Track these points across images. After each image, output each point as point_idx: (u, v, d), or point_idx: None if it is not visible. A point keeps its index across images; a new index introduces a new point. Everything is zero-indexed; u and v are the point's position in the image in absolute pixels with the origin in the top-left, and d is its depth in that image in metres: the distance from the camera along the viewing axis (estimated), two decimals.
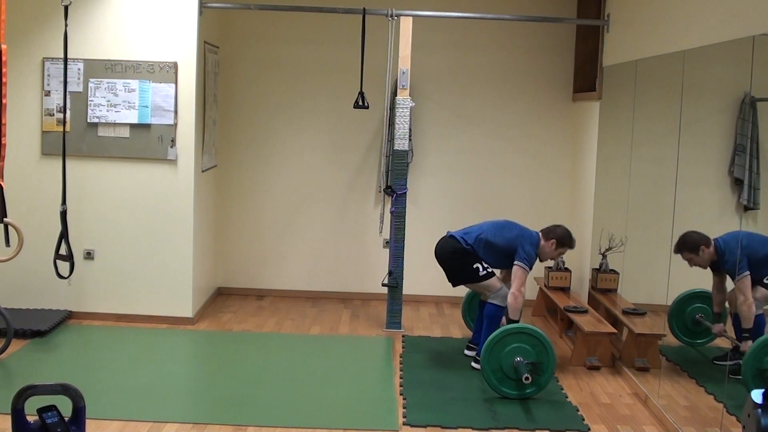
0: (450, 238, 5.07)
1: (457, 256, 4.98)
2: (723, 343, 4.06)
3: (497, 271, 5.06)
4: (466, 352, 5.23)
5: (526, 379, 4.36)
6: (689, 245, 4.12)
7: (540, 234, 5.01)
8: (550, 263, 6.10)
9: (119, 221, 5.64)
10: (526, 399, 4.47)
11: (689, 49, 4.24)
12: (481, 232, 5.01)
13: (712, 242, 3.99)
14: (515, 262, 4.87)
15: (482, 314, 5.08)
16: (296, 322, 5.96)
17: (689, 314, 4.31)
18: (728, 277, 3.94)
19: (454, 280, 5.07)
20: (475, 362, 5.00)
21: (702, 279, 4.40)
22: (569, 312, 5.45)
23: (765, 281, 3.75)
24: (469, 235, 5.01)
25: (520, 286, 4.83)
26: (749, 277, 3.69)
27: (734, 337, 3.89)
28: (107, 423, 3.94)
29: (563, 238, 5.00)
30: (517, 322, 4.77)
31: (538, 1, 6.38)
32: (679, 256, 4.24)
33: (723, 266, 3.94)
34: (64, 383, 2.66)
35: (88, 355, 5.06)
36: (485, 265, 4.93)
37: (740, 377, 3.63)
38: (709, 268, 4.09)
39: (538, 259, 5.01)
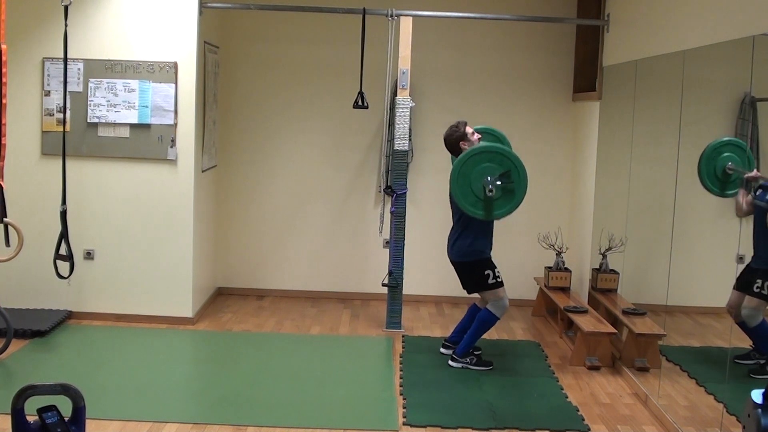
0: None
1: (465, 265, 4.95)
2: (741, 342, 4.00)
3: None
4: (442, 350, 5.22)
5: (491, 191, 4.46)
6: None
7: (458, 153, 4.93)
8: (550, 263, 6.12)
9: (119, 221, 5.64)
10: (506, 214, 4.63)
11: (689, 49, 4.24)
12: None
13: None
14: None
15: (470, 315, 5.11)
16: (296, 322, 5.96)
17: (720, 162, 4.07)
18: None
19: (467, 287, 5.04)
20: (452, 360, 5.02)
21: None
22: (569, 312, 5.45)
23: (755, 289, 3.74)
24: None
25: None
26: None
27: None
28: (107, 423, 3.94)
29: (460, 133, 4.90)
30: None
31: (538, 1, 6.37)
32: (678, 253, 4.24)
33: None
34: (64, 383, 2.66)
35: (88, 355, 5.06)
36: (496, 273, 4.91)
37: (760, 377, 3.63)
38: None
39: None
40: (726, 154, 4.02)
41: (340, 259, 6.65)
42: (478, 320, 4.97)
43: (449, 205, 6.51)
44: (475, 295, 5.16)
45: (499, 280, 4.92)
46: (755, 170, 3.80)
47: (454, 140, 4.95)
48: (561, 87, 6.51)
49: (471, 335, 4.97)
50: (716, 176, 4.05)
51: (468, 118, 6.52)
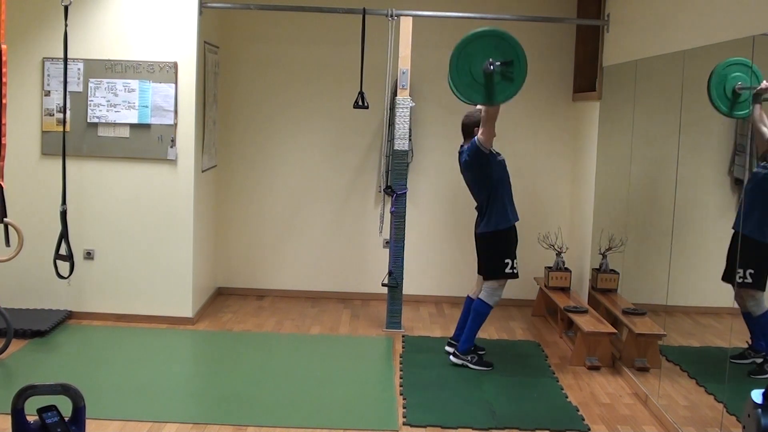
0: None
1: (489, 236, 4.96)
2: (741, 342, 4.00)
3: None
4: (447, 348, 5.22)
5: (491, 70, 4.44)
6: None
7: (467, 142, 4.98)
8: (550, 263, 6.12)
9: (119, 221, 5.64)
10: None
11: (689, 49, 4.24)
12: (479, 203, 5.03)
13: None
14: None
15: (467, 308, 5.12)
16: (296, 322, 5.96)
17: (730, 81, 3.99)
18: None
19: (484, 267, 5.03)
20: (454, 356, 5.03)
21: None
22: (569, 312, 5.45)
23: (738, 280, 3.73)
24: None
25: (481, 133, 4.76)
26: None
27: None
28: (107, 423, 3.94)
29: (479, 118, 4.86)
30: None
31: (538, 1, 6.38)
32: (678, 253, 4.24)
33: None
34: (64, 383, 2.66)
35: (88, 355, 5.06)
36: (515, 264, 4.93)
37: (759, 377, 3.62)
38: None
39: (486, 143, 4.82)
40: (735, 74, 3.96)
41: (340, 259, 6.65)
42: (473, 312, 4.99)
43: (450, 204, 6.54)
44: (471, 287, 5.16)
45: (515, 272, 4.95)
46: (765, 81, 3.71)
47: (470, 123, 4.94)
48: (561, 87, 6.51)
49: (469, 329, 4.99)
50: (726, 96, 4.00)
51: None
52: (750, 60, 3.77)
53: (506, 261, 4.91)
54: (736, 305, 3.82)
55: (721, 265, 3.96)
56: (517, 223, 5.05)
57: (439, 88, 6.48)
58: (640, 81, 5.07)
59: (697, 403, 4.12)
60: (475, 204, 5.08)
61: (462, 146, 5.02)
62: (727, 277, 3.83)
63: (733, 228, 3.80)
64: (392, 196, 5.71)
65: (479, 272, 5.08)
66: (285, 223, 6.65)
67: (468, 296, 5.19)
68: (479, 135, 4.78)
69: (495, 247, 4.95)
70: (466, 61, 4.54)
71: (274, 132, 6.55)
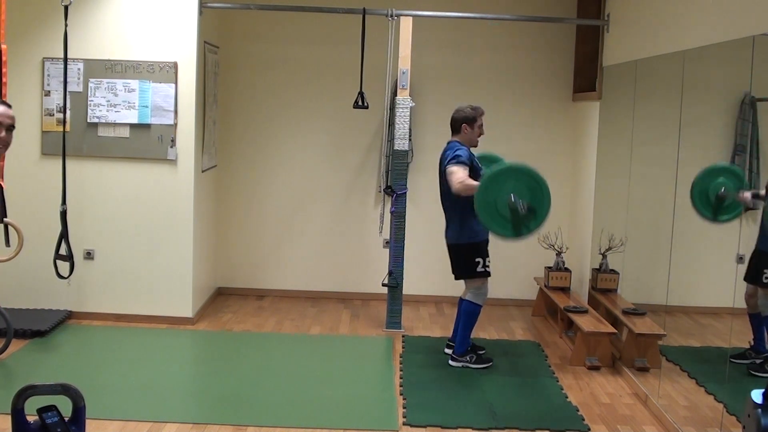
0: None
1: (458, 248, 4.97)
2: (741, 342, 4.00)
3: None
4: (446, 350, 5.21)
5: (523, 208, 4.43)
6: None
7: (453, 137, 4.98)
8: (550, 263, 6.12)
9: (119, 221, 5.64)
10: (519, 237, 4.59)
11: (689, 49, 4.24)
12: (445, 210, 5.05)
13: None
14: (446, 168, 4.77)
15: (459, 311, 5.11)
16: (296, 322, 5.96)
17: (713, 188, 4.09)
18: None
19: (456, 272, 5.04)
20: (452, 360, 5.02)
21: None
22: (569, 312, 5.45)
23: (764, 280, 3.75)
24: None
25: (456, 181, 4.67)
26: None
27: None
28: (107, 423, 3.94)
29: (467, 115, 4.90)
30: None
31: (538, 1, 6.38)
32: (678, 253, 4.24)
33: None
34: (64, 383, 2.66)
35: (88, 355, 5.06)
36: (486, 262, 4.91)
37: (760, 375, 3.63)
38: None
39: (471, 147, 4.90)
40: (717, 180, 4.05)
41: (340, 259, 6.65)
42: (462, 313, 4.99)
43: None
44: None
45: (487, 269, 4.93)
46: (744, 193, 3.83)
47: (459, 118, 4.94)
48: (561, 87, 6.51)
49: (462, 331, 4.99)
50: (709, 202, 4.09)
51: None
52: (732, 166, 3.88)
53: (477, 260, 4.90)
54: (736, 305, 3.82)
55: (721, 265, 3.96)
56: None
57: (439, 87, 6.49)
58: (640, 81, 5.07)
59: (697, 403, 4.12)
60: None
61: (446, 149, 4.94)
62: (751, 278, 3.82)
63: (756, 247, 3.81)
64: (392, 196, 5.71)
65: (453, 273, 5.06)
66: (285, 223, 6.65)
67: (460, 298, 5.19)
68: (457, 186, 4.66)
69: (466, 254, 4.94)
70: (491, 196, 4.51)
71: (274, 132, 6.55)
